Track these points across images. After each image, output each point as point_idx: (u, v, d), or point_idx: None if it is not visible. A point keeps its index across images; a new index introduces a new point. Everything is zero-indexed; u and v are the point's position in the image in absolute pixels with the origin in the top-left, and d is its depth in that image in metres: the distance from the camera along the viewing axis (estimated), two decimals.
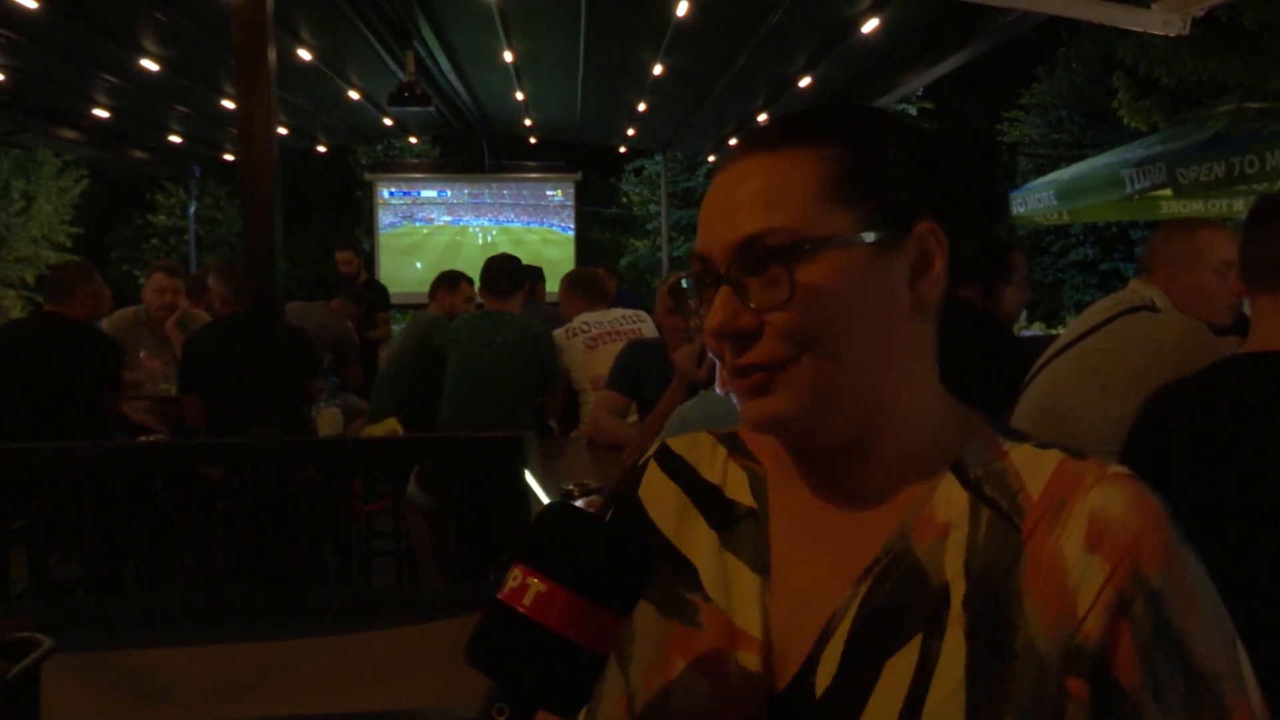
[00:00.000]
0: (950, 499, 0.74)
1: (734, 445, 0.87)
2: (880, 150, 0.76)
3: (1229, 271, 2.41)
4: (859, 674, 0.70)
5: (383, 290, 7.52)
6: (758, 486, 0.83)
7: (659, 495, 0.87)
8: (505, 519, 3.49)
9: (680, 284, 0.82)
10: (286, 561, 3.30)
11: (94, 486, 3.27)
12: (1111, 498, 0.69)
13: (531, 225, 13.86)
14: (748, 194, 0.74)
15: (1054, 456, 0.74)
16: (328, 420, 4.34)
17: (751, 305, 0.73)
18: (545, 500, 2.83)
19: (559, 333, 4.34)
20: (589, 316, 4.32)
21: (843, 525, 0.77)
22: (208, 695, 2.38)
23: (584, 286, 4.59)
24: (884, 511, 0.75)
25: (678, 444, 0.90)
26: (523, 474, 3.04)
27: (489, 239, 13.69)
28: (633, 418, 3.49)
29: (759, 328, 0.73)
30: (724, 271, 0.74)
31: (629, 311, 4.38)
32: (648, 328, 4.23)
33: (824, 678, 0.71)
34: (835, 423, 0.74)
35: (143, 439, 4.16)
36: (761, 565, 0.78)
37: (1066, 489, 0.71)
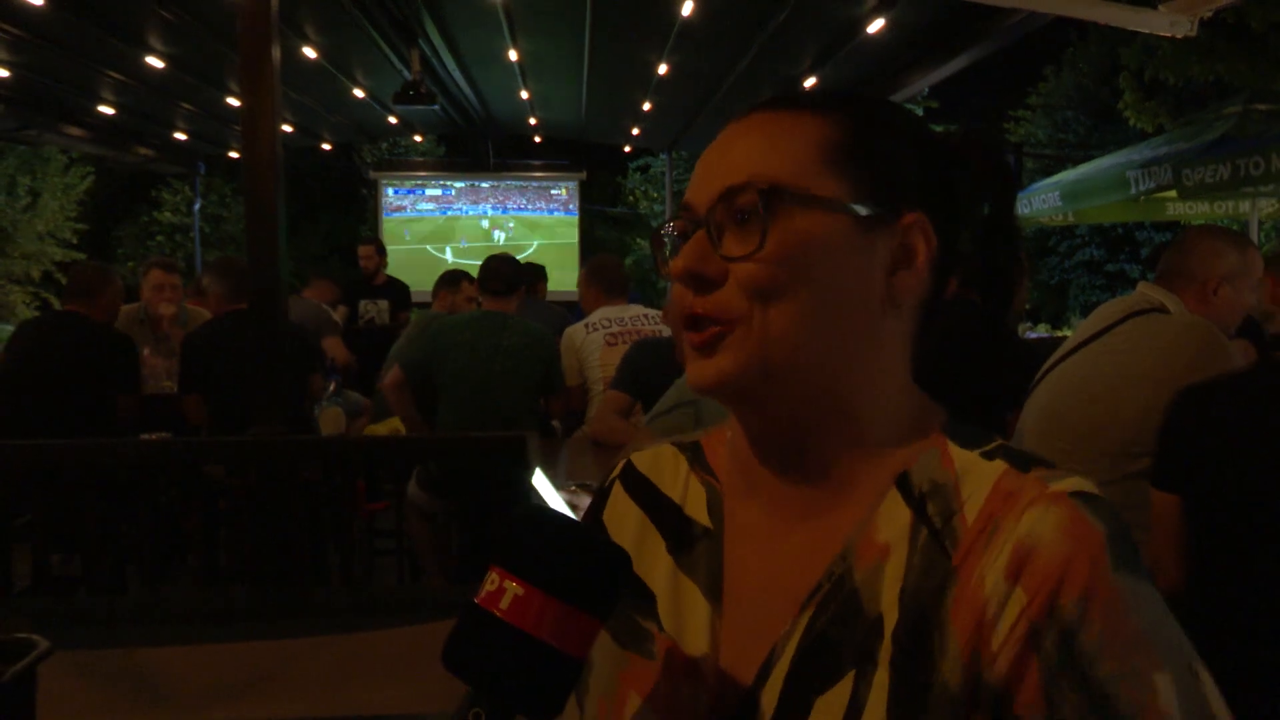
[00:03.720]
0: (893, 516, 0.71)
1: (695, 456, 0.85)
2: (884, 131, 0.74)
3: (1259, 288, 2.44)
4: (793, 713, 0.68)
5: (404, 289, 7.45)
6: (715, 504, 0.81)
7: (622, 518, 0.85)
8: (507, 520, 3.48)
9: (660, 234, 0.79)
10: (289, 561, 3.29)
11: (97, 484, 3.27)
12: (1042, 522, 0.64)
13: (538, 215, 13.91)
14: (743, 146, 0.73)
15: (995, 469, 0.70)
16: (330, 419, 4.34)
17: (722, 252, 0.70)
18: (550, 500, 2.83)
19: (578, 327, 4.25)
20: (609, 312, 4.23)
21: (793, 544, 0.74)
22: (209, 694, 2.38)
23: (602, 277, 4.43)
24: (831, 526, 0.73)
25: (642, 460, 0.88)
26: (525, 475, 3.04)
27: (505, 232, 13.75)
28: (639, 419, 3.48)
29: (724, 276, 0.70)
30: (704, 216, 0.72)
31: (651, 311, 4.27)
32: (668, 330, 4.17)
33: (764, 714, 0.69)
34: (779, 395, 0.71)
35: (146, 437, 4.16)
36: (714, 591, 0.76)
37: (1001, 510, 0.67)
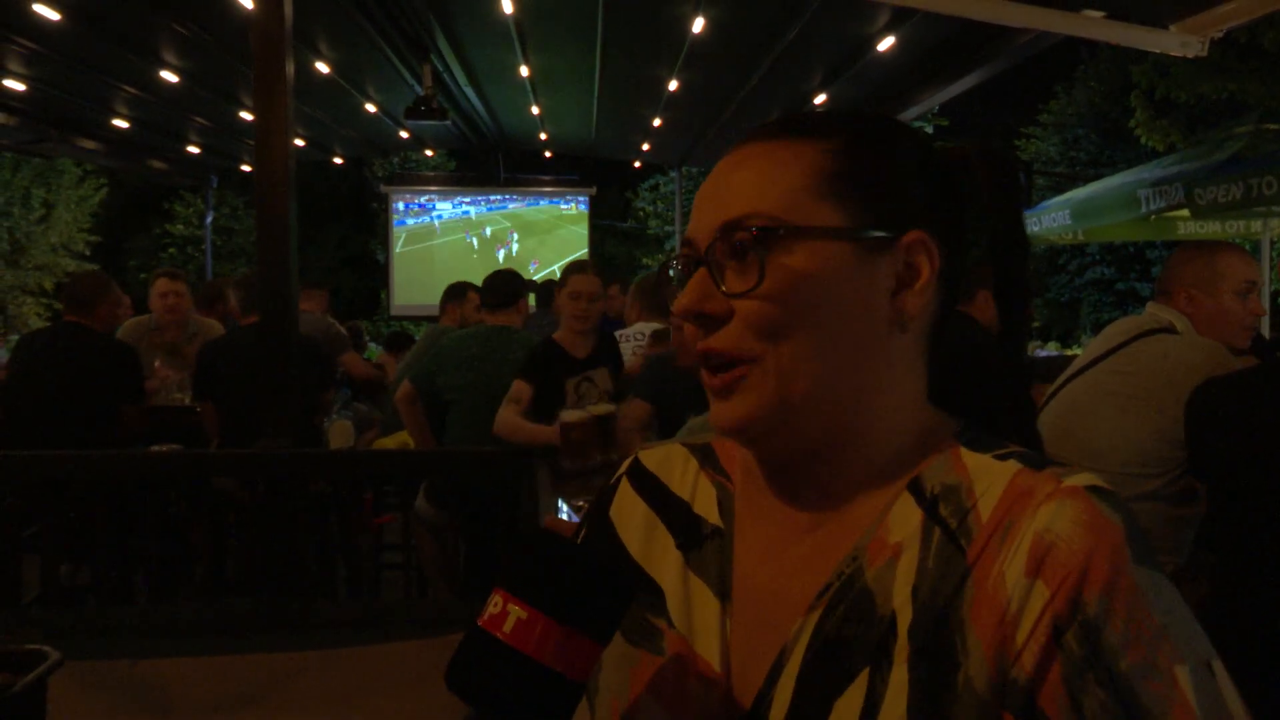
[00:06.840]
0: (905, 517, 0.71)
1: (706, 457, 0.86)
2: (882, 153, 0.74)
3: (1249, 294, 2.42)
4: (809, 713, 0.68)
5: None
6: (725, 503, 0.81)
7: (629, 515, 0.85)
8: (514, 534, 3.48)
9: (668, 272, 0.80)
10: (296, 573, 3.29)
11: (106, 495, 3.27)
12: (1059, 516, 0.64)
13: (542, 205, 13.93)
14: (739, 179, 0.73)
15: (1009, 469, 0.70)
16: (339, 433, 4.35)
17: (724, 289, 0.71)
18: (559, 514, 2.83)
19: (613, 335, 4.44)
20: (645, 327, 4.44)
21: (803, 544, 0.75)
22: (215, 705, 2.37)
23: (645, 295, 4.71)
24: (842, 530, 0.73)
25: (650, 458, 0.89)
26: (533, 489, 3.03)
27: (516, 247, 13.78)
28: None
29: (728, 314, 0.71)
30: (704, 253, 0.72)
31: None
32: None
33: (777, 715, 0.69)
34: (798, 430, 0.72)
35: (155, 449, 4.17)
36: (723, 588, 0.77)
37: (1016, 508, 0.67)
